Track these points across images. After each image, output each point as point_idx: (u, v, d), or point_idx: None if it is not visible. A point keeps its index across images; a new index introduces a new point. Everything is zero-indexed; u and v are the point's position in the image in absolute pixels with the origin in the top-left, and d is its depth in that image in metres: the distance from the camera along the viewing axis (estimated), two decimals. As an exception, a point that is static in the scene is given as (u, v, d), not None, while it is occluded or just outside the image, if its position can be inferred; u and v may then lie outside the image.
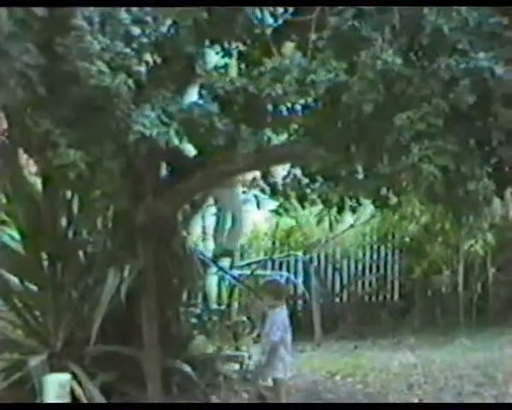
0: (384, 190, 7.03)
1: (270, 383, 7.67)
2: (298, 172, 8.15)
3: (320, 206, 8.25)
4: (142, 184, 7.94)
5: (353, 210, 8.21)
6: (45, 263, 8.59)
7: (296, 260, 13.93)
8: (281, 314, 7.74)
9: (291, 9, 7.91)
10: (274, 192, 9.34)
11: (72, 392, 7.07)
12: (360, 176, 6.88)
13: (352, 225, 13.54)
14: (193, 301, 10.61)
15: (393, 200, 7.39)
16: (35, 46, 5.97)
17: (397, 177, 6.45)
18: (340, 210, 7.66)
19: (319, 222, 9.79)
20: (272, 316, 7.74)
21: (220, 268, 11.35)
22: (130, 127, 6.36)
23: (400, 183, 6.59)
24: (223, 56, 8.04)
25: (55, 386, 6.09)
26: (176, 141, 6.61)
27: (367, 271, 14.74)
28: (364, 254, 14.73)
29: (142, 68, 6.51)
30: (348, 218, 12.43)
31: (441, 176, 6.07)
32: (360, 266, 14.70)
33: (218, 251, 11.36)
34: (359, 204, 8.11)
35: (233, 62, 8.08)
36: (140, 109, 6.49)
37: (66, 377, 6.39)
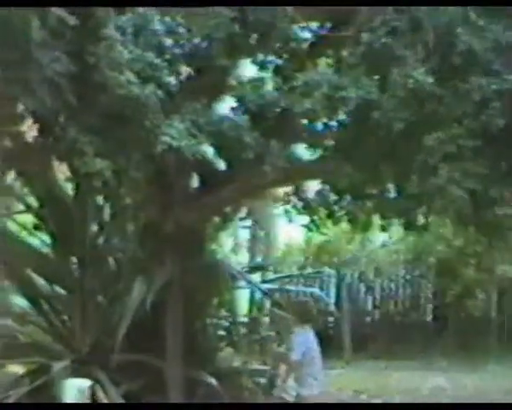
0: (412, 211, 6.97)
1: (291, 398, 7.62)
2: (328, 188, 8.10)
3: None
4: (172, 195, 7.99)
5: (383, 229, 8.12)
6: (75, 268, 8.65)
7: (328, 277, 13.88)
8: (305, 335, 7.69)
9: (328, 25, 7.95)
10: (305, 208, 9.23)
11: (93, 398, 7.07)
12: (388, 195, 6.94)
13: (384, 244, 13.43)
14: (221, 314, 10.56)
15: (421, 221, 7.33)
16: (66, 55, 5.99)
17: (425, 198, 6.42)
18: (367, 229, 7.58)
19: (351, 240, 9.68)
20: (296, 336, 7.70)
21: (249, 282, 11.30)
22: (157, 138, 6.39)
23: (428, 204, 6.53)
24: (259, 70, 7.97)
25: (74, 391, 6.10)
26: (203, 153, 6.63)
27: (400, 290, 14.63)
28: (397, 274, 14.64)
29: (173, 79, 6.54)
30: (382, 236, 12.33)
31: (469, 199, 6.01)
32: (393, 286, 14.59)
33: (254, 265, 11.32)
34: (389, 224, 8.03)
35: (269, 76, 7.99)
36: (169, 120, 6.53)
37: (86, 383, 6.39)
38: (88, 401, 6.36)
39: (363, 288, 14.52)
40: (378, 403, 8.77)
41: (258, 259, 11.48)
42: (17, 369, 8.47)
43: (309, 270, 13.99)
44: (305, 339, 7.63)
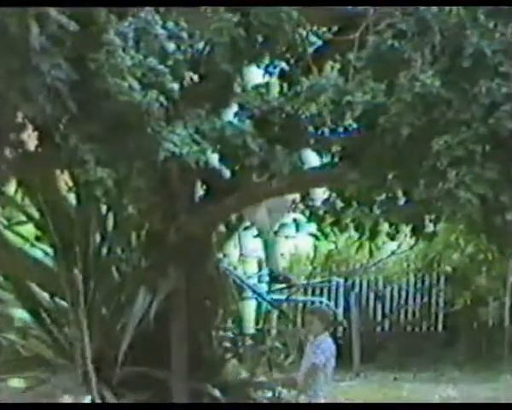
0: (421, 217, 6.98)
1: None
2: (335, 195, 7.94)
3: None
4: (176, 203, 8.01)
5: (391, 237, 8.04)
6: (77, 279, 8.64)
7: (336, 286, 13.86)
8: (327, 341, 7.74)
9: (335, 28, 7.98)
10: (312, 216, 9.19)
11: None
12: (396, 201, 6.91)
13: (393, 252, 13.39)
14: (227, 325, 10.54)
15: (430, 227, 7.34)
16: (67, 61, 6.04)
17: (433, 203, 6.39)
18: (374, 236, 7.58)
19: (359, 248, 9.63)
20: (316, 341, 7.71)
21: (256, 292, 11.29)
22: (160, 145, 6.41)
23: (437, 210, 6.52)
24: (263, 75, 8.04)
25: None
26: (207, 160, 6.67)
27: (410, 299, 14.58)
28: (408, 282, 14.55)
29: (176, 85, 6.53)
30: (391, 244, 12.27)
31: (478, 204, 5.99)
32: (403, 295, 14.54)
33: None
34: (397, 231, 7.93)
35: (274, 81, 8.08)
36: (172, 127, 6.55)
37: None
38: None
39: (372, 297, 14.50)
40: (378, 403, 8.77)
41: (265, 270, 11.41)
42: (18, 383, 8.46)
43: (317, 279, 13.96)
44: (328, 345, 7.69)
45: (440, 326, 14.41)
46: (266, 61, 7.68)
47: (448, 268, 14.12)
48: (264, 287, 11.67)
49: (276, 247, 11.39)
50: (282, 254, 11.55)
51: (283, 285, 12.33)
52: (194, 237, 8.15)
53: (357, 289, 14.10)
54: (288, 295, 12.29)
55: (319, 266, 14.18)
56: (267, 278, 11.39)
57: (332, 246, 13.83)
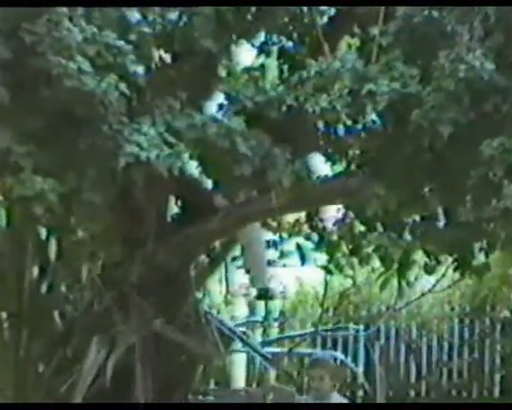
0: (467, 245, 7.06)
1: None
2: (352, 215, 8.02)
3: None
4: (141, 226, 8.02)
5: (428, 271, 8.12)
6: (6, 326, 8.65)
7: (355, 336, 13.87)
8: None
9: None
10: (322, 241, 9.28)
11: None
12: (434, 224, 6.98)
13: (430, 291, 13.39)
14: (208, 388, 10.57)
15: (481, 258, 7.40)
16: (-5, 34, 6.07)
17: (484, 226, 6.45)
18: (404, 270, 7.59)
19: (384, 285, 9.64)
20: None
21: (246, 343, 11.30)
22: (120, 147, 6.39)
23: (490, 234, 6.58)
24: (258, 55, 8.09)
25: None
26: (183, 167, 6.65)
27: (454, 354, 14.61)
28: (451, 331, 14.57)
29: (141, 68, 6.55)
30: (428, 280, 12.27)
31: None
32: (445, 348, 14.57)
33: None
34: (437, 263, 8.05)
35: (272, 64, 8.19)
36: (136, 124, 6.54)
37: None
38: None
39: (402, 350, 14.49)
40: (378, 403, 9.01)
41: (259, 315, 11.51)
42: None
43: (328, 326, 13.98)
44: None
45: (497, 391, 14.45)
46: (261, 36, 7.73)
47: (506, 312, 14.16)
48: (257, 336, 11.73)
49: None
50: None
51: (285, 334, 12.41)
52: (165, 271, 8.17)
53: (382, 340, 14.15)
54: (291, 347, 12.31)
55: (332, 308, 14.13)
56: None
57: (349, 282, 13.63)
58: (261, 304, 11.83)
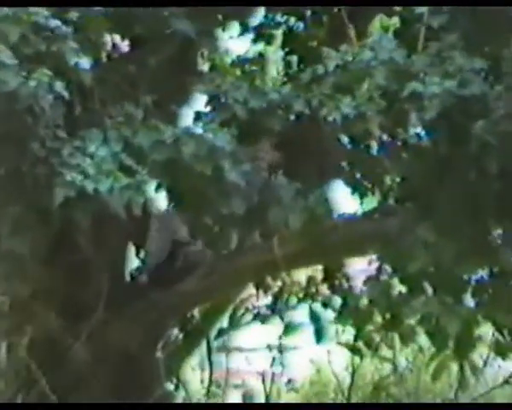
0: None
1: None
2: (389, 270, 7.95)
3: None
4: (88, 287, 8.19)
5: (501, 352, 8.13)
6: None
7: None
8: None
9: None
10: (346, 308, 9.29)
11: None
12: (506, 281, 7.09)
13: (507, 382, 13.41)
14: None
15: None
16: None
17: None
18: (465, 350, 7.59)
19: (438, 372, 9.61)
20: None
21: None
22: (56, 174, 6.44)
23: None
24: (254, 41, 8.22)
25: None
26: (147, 203, 6.77)
27: None
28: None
29: (87, 60, 6.59)
30: (500, 364, 12.24)
31: None
32: None
33: None
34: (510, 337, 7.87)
35: (275, 53, 8.62)
36: (78, 140, 6.60)
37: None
38: None
39: None
40: (378, 403, 10.18)
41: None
42: None
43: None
44: None
45: None
46: (260, 14, 7.86)
47: None
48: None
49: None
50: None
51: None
52: (122, 351, 8.33)
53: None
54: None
55: (361, 401, 14.08)
56: None
57: (387, 368, 13.82)
58: (260, 397, 11.66)
